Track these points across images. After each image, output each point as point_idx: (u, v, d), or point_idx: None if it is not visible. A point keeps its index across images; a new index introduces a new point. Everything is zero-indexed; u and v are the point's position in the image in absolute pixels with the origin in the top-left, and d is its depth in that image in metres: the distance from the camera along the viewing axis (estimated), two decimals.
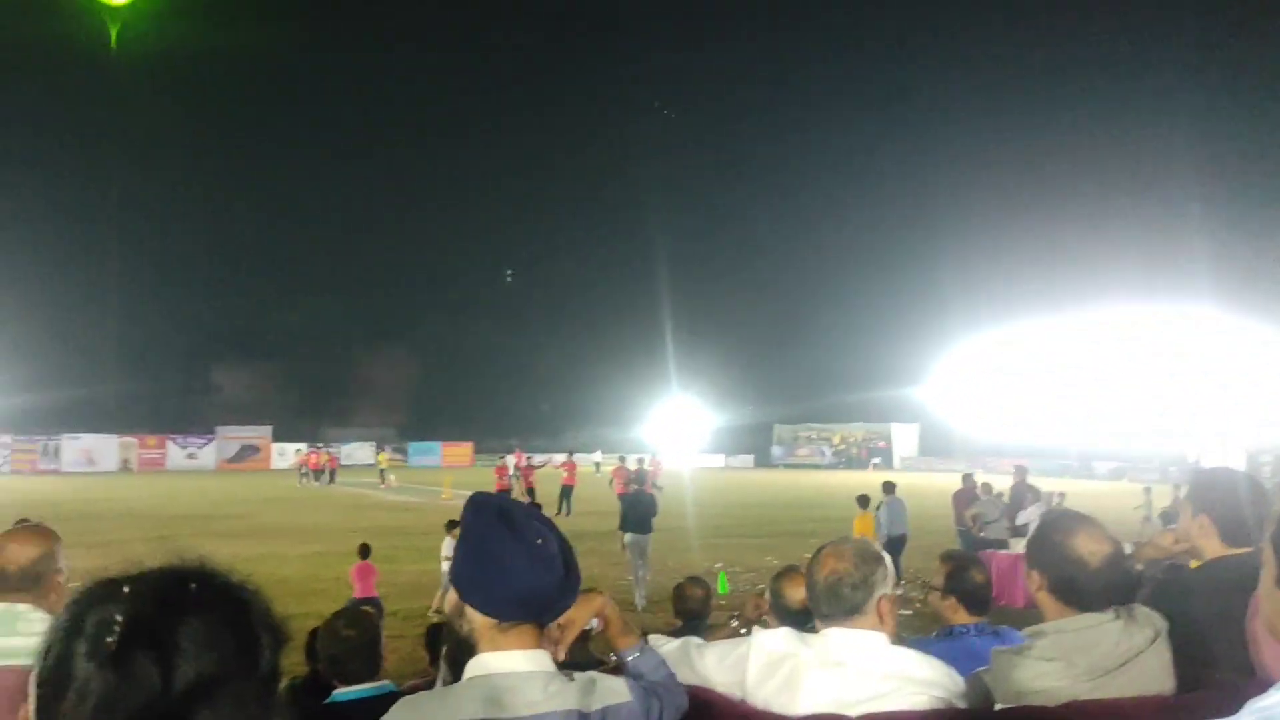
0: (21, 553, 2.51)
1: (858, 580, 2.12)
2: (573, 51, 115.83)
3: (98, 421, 57.85)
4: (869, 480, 34.38)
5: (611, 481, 25.21)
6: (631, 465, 25.12)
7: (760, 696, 2.07)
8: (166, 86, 78.04)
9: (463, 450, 63.80)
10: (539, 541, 1.74)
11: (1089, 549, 2.12)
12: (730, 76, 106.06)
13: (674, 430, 66.47)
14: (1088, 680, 1.98)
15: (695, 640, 2.29)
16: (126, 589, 0.94)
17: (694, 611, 6.00)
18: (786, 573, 3.79)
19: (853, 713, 1.94)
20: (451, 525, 10.99)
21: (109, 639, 0.90)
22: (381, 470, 42.53)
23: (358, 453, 61.83)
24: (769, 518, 26.27)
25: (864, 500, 14.70)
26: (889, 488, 14.98)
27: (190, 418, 66.67)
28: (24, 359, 57.69)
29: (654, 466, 24.45)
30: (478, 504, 1.83)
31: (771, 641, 2.14)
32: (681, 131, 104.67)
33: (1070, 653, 2.02)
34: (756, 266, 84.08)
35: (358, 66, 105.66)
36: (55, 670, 0.92)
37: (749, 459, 69.23)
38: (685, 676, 2.12)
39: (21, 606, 2.45)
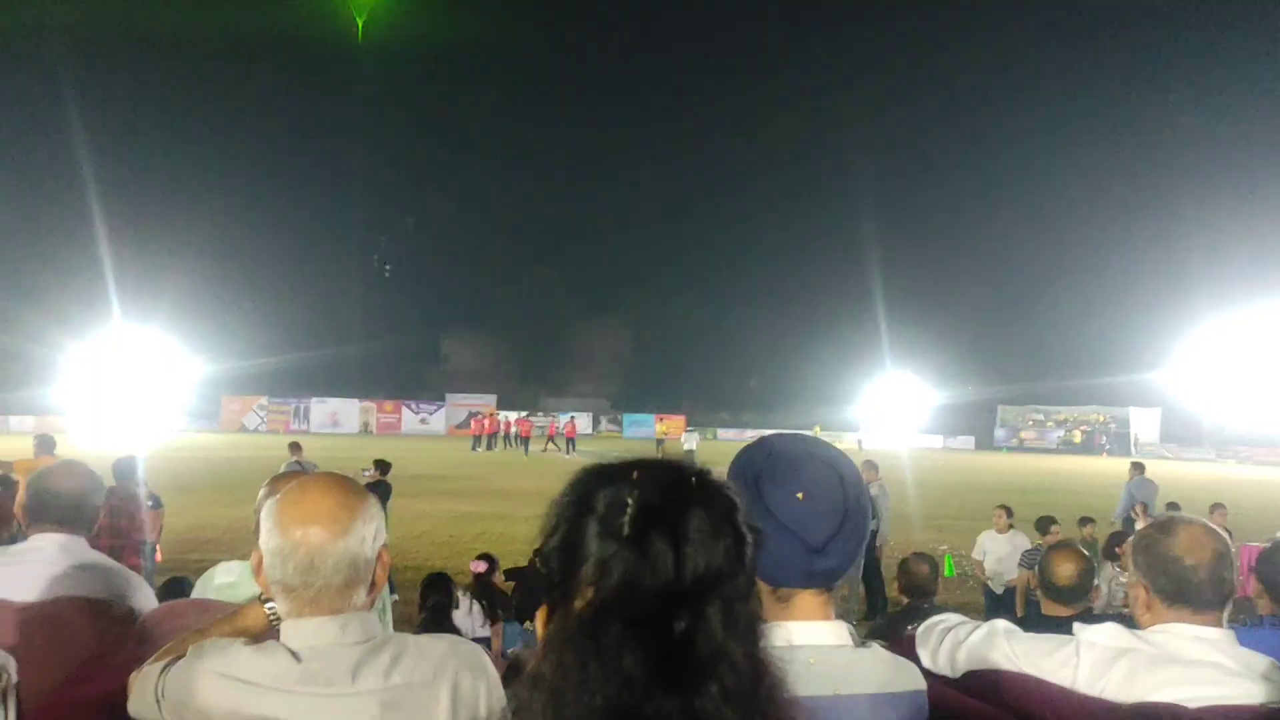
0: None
1: (1231, 569, 1.94)
2: (783, 34, 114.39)
3: (342, 387, 62.54)
4: (1105, 467, 32.19)
5: None
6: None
7: (1094, 695, 1.86)
8: (407, 73, 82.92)
9: (675, 422, 64.65)
10: (798, 496, 1.51)
11: None
12: (950, 45, 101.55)
13: (889, 408, 64.69)
14: None
15: (1004, 624, 2.06)
16: (636, 474, 1.00)
17: (921, 588, 5.74)
18: (1058, 549, 3.62)
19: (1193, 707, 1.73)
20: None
21: (620, 520, 0.96)
22: (550, 438, 44.73)
23: (576, 422, 63.97)
24: (996, 502, 25.06)
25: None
26: (1137, 468, 14.22)
27: (423, 385, 71.07)
28: (279, 329, 63.15)
29: None
30: (744, 452, 1.63)
31: (1101, 637, 1.92)
32: (896, 100, 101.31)
33: None
34: (980, 237, 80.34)
35: (585, 49, 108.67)
36: (567, 541, 0.99)
37: (969, 440, 66.36)
38: (998, 664, 1.93)
39: None
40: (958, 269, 76.65)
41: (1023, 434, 67.07)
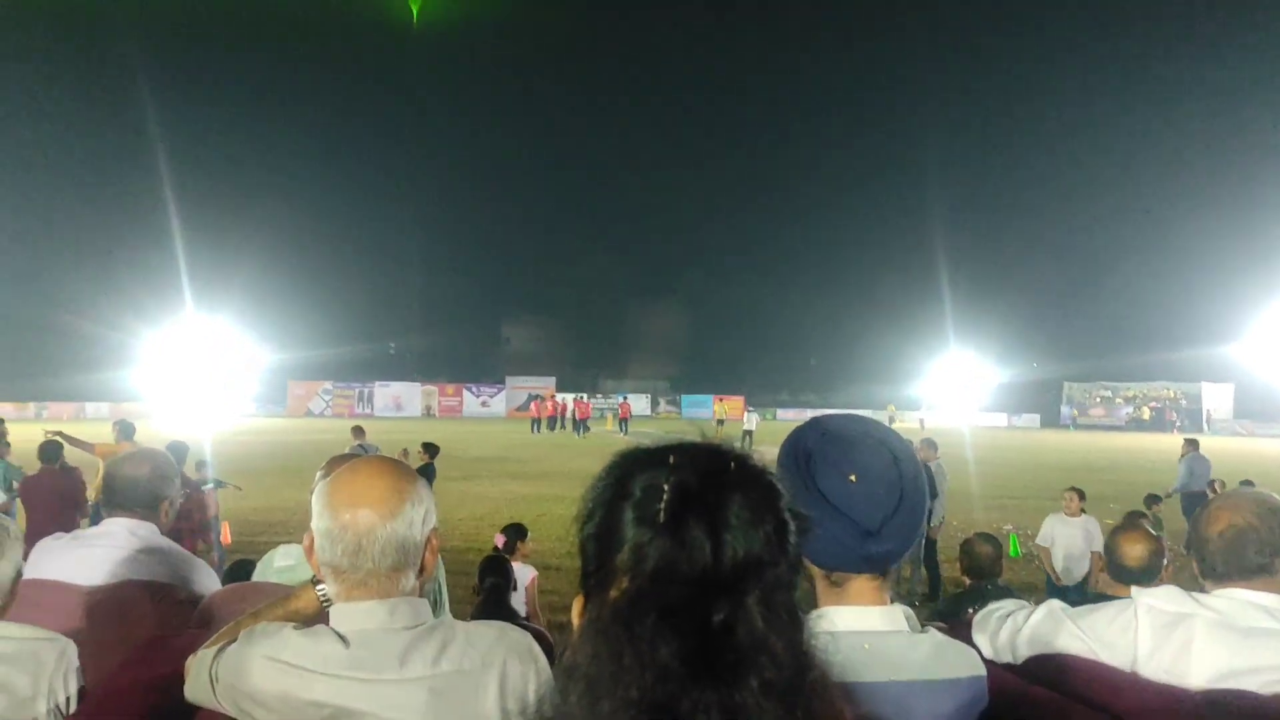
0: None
1: (1265, 536, 1.86)
2: (841, 14, 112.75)
3: (404, 371, 63.48)
4: (1176, 445, 31.43)
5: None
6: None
7: (1154, 667, 1.82)
8: (463, 59, 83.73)
9: (735, 403, 64.47)
10: (850, 478, 1.46)
11: None
12: (1014, 20, 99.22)
13: (952, 386, 63.78)
14: None
15: (1059, 604, 2.02)
16: (673, 459, 0.97)
17: (984, 570, 5.61)
18: (1124, 529, 3.51)
19: (1254, 683, 1.67)
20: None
21: (657, 505, 0.93)
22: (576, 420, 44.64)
23: (634, 403, 64.20)
24: (1062, 481, 24.49)
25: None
26: (1191, 444, 14.11)
27: (483, 368, 71.86)
28: (342, 315, 64.24)
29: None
30: (796, 432, 1.58)
31: (1159, 601, 1.88)
32: (959, 76, 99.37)
33: None
34: (1045, 209, 78.74)
35: (641, 34, 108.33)
36: (603, 528, 0.97)
37: (1034, 418, 65.18)
38: (1065, 646, 1.88)
39: None
40: (1021, 243, 75.32)
41: (1090, 411, 65.61)
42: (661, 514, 0.92)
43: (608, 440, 37.73)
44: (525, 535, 6.73)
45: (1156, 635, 1.83)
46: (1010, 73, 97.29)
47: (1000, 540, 5.94)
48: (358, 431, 14.30)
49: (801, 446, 1.53)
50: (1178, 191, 70.53)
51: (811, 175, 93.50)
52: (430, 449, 12.35)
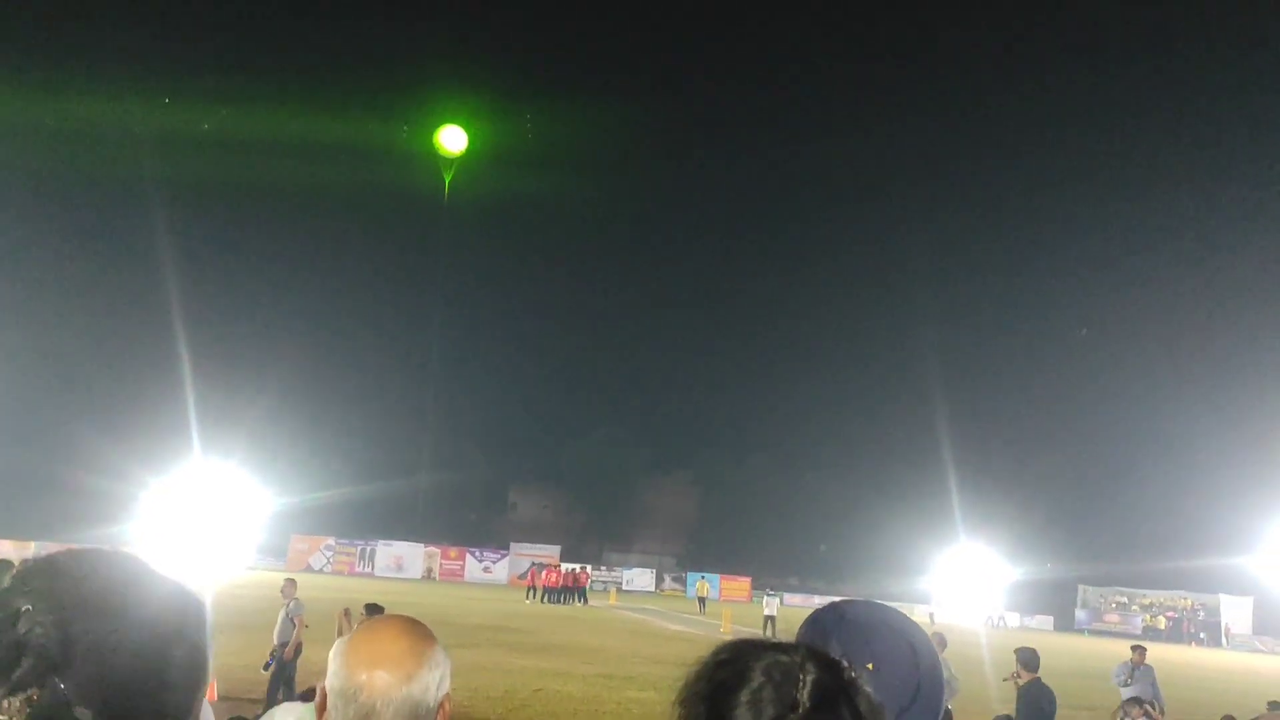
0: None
1: None
2: (851, 198, 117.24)
3: (409, 530, 62.76)
4: (1197, 658, 30.23)
5: None
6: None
7: None
8: (481, 231, 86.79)
9: (741, 584, 63.20)
10: (868, 667, 1.41)
11: None
12: (1025, 205, 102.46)
13: (964, 582, 62.41)
14: None
15: None
16: (804, 650, 0.97)
17: None
18: None
19: None
20: None
21: (793, 692, 0.92)
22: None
23: (638, 578, 63.04)
24: (1082, 689, 23.67)
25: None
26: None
27: (488, 533, 71.06)
28: (349, 472, 64.06)
29: None
30: (815, 616, 1.57)
31: None
32: (970, 263, 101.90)
33: None
34: (1062, 408, 78.76)
35: (654, 213, 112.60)
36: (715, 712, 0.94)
37: (1048, 620, 63.51)
38: None
39: None
40: (1036, 440, 75.01)
41: (1105, 616, 63.85)
42: (806, 697, 0.91)
43: (608, 615, 36.85)
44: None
45: None
46: (1024, 268, 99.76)
47: None
48: (290, 585, 13.84)
49: (819, 630, 1.50)
50: (1201, 396, 70.59)
51: (825, 364, 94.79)
52: (373, 610, 11.81)
